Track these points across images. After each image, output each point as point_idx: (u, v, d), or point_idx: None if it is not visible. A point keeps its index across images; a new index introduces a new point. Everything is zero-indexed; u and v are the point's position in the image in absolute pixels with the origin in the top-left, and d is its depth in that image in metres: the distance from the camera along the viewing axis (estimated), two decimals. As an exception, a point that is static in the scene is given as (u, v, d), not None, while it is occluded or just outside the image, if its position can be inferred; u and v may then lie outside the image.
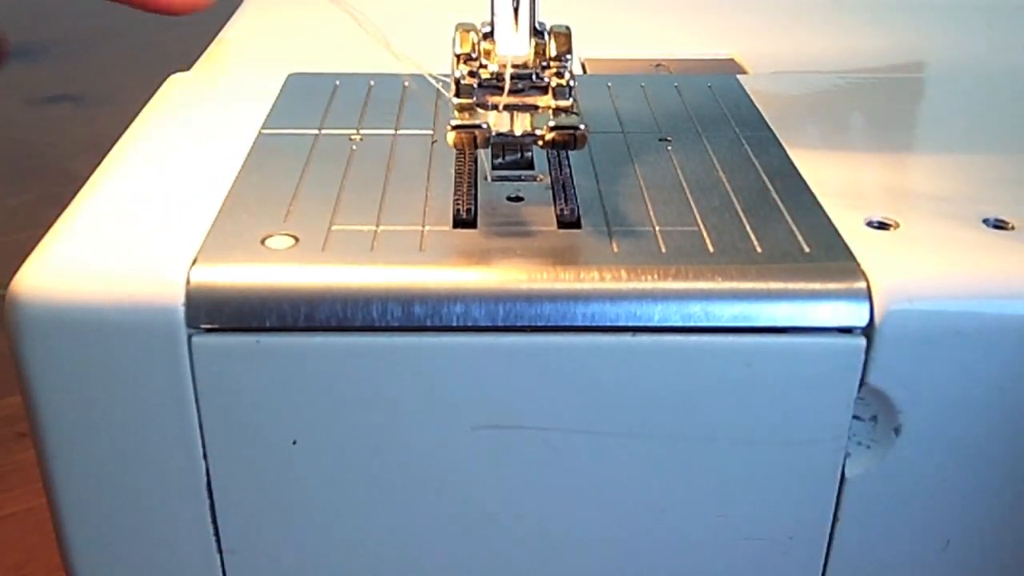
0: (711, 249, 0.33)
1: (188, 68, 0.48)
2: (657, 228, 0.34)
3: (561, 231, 0.34)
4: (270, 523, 0.35)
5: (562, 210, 0.35)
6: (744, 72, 0.50)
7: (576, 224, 0.35)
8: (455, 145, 0.34)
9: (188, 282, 0.31)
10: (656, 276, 0.32)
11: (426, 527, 0.35)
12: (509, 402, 0.33)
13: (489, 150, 0.38)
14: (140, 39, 1.39)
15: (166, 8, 0.36)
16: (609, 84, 0.46)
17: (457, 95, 0.35)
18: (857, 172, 0.39)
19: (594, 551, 0.36)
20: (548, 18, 0.36)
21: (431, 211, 0.35)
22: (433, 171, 0.38)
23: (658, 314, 0.31)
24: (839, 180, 0.38)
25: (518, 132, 0.34)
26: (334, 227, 0.34)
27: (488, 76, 0.35)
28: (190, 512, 0.34)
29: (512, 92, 0.35)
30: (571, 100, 0.35)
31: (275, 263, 0.32)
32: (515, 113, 0.35)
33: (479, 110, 0.35)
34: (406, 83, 0.45)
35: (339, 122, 0.41)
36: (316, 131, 0.40)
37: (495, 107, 0.35)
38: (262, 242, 0.33)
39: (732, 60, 0.52)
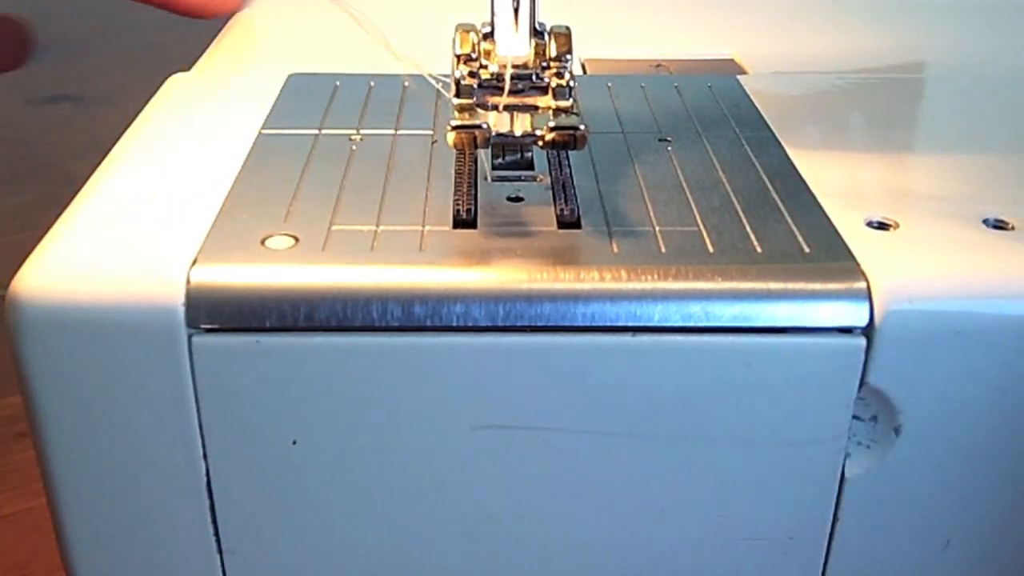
0: (711, 249, 0.33)
1: (188, 68, 0.48)
2: (657, 228, 0.34)
3: (561, 231, 0.34)
4: (270, 523, 0.35)
5: (562, 210, 0.35)
6: (744, 72, 0.49)
7: (576, 224, 0.35)
8: (455, 145, 0.34)
9: (188, 282, 0.31)
10: (656, 276, 0.32)
11: (426, 527, 0.35)
12: (509, 402, 0.33)
13: (489, 150, 0.38)
14: (140, 39, 1.38)
15: (197, 11, 0.36)
16: (609, 84, 0.46)
17: (457, 95, 0.35)
18: (857, 172, 0.39)
19: (594, 551, 0.36)
20: (548, 18, 0.36)
21: (431, 211, 0.35)
22: (433, 171, 0.38)
23: (658, 314, 0.31)
24: (839, 180, 0.38)
25: (518, 132, 0.34)
26: (334, 227, 0.34)
27: (488, 76, 0.35)
28: (190, 512, 0.34)
29: (512, 92, 0.35)
30: (571, 100, 0.35)
31: (275, 263, 0.32)
32: (515, 113, 0.35)
33: (479, 110, 0.35)
34: (406, 83, 0.45)
35: (339, 122, 0.41)
36: (316, 131, 0.40)
37: (495, 107, 0.35)
38: (262, 242, 0.33)
39: (732, 60, 0.52)
